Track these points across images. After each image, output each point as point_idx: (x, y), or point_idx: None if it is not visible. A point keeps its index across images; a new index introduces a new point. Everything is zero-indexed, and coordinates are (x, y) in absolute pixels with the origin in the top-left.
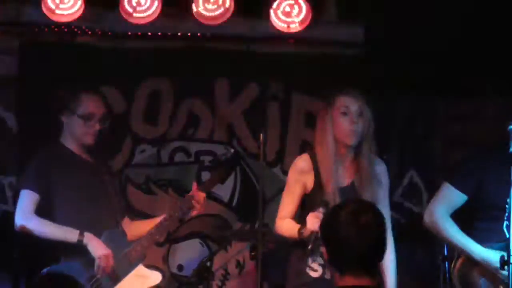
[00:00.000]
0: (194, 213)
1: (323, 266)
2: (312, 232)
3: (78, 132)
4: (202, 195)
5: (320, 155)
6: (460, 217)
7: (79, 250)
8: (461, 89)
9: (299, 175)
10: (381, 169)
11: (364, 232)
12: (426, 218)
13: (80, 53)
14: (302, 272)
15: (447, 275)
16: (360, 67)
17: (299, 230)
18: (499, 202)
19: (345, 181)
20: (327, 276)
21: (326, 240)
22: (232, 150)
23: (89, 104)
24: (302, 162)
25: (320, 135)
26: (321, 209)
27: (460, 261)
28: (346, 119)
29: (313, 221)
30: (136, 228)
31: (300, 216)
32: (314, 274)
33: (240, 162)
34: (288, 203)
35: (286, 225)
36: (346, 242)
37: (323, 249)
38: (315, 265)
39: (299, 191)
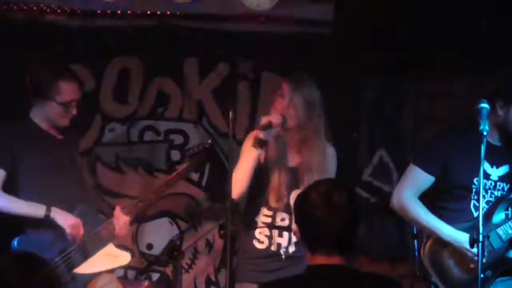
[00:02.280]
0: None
1: (269, 238)
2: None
3: (55, 117)
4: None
5: None
6: (428, 197)
7: (48, 224)
8: (431, 67)
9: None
10: (329, 153)
11: (336, 212)
12: (394, 201)
13: (49, 31)
14: (248, 244)
15: (416, 253)
16: (329, 46)
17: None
18: (467, 182)
19: (292, 162)
20: (273, 248)
21: (299, 219)
22: (209, 141)
23: (69, 92)
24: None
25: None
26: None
27: (430, 241)
28: (281, 101)
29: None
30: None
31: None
32: (260, 246)
33: (215, 154)
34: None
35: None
36: (318, 222)
37: (295, 228)
38: (261, 237)
39: (251, 161)
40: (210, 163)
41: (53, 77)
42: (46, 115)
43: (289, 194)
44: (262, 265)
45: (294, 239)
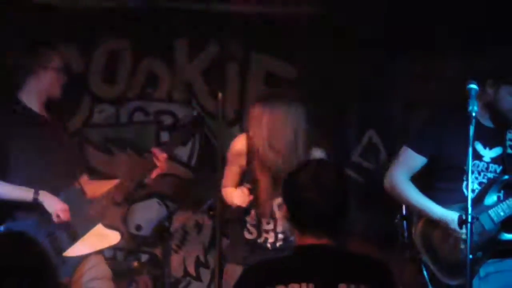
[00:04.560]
0: (154, 174)
1: (258, 229)
2: (238, 206)
3: (50, 84)
4: (164, 156)
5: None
6: (421, 177)
7: (35, 207)
8: (422, 48)
9: (235, 156)
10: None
11: (325, 193)
12: (386, 182)
13: (39, 12)
14: (239, 232)
15: (406, 234)
16: (320, 26)
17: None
18: (459, 163)
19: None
20: (260, 240)
21: (287, 199)
22: (196, 113)
23: (59, 57)
24: (239, 143)
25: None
26: (247, 185)
27: (421, 221)
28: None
29: (239, 196)
30: (95, 187)
31: None
32: (249, 236)
33: (202, 124)
34: (227, 176)
35: (225, 194)
36: (307, 203)
37: (283, 208)
38: (251, 228)
39: (237, 169)
40: (198, 135)
41: (40, 48)
42: (41, 88)
43: (272, 200)
44: (250, 251)
45: (280, 236)
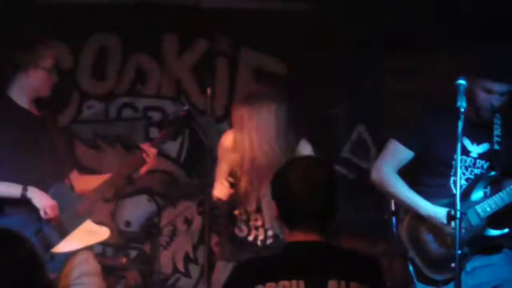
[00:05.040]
0: (143, 170)
1: (248, 227)
2: (218, 199)
3: (40, 84)
4: (153, 151)
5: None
6: (408, 173)
7: (24, 204)
8: (409, 44)
9: (223, 152)
10: (305, 150)
11: (315, 189)
12: (373, 174)
13: (28, 8)
14: (229, 230)
15: (394, 229)
16: (308, 24)
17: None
18: (447, 158)
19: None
20: (250, 238)
21: (277, 195)
22: (185, 107)
23: (51, 57)
24: (226, 140)
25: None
26: (229, 178)
27: (408, 216)
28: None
29: (218, 188)
30: (85, 183)
31: None
32: (239, 233)
33: (192, 119)
34: (218, 173)
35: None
36: (297, 199)
37: (273, 204)
38: (241, 225)
39: (226, 166)
40: (187, 131)
41: (34, 45)
42: (31, 86)
43: (259, 197)
44: (241, 249)
45: (270, 233)
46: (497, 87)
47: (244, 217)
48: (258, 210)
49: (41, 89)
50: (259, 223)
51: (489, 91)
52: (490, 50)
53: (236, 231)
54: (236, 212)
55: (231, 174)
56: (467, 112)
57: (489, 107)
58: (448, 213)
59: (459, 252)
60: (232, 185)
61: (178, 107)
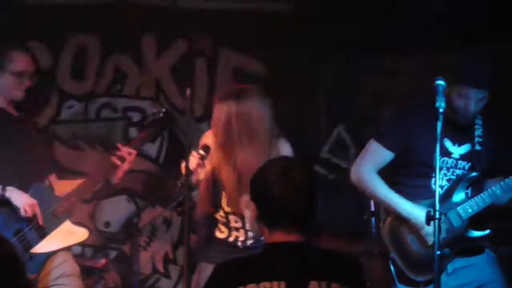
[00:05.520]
0: (119, 174)
1: (229, 228)
2: (190, 169)
3: (8, 88)
4: (129, 151)
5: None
6: (389, 173)
7: (3, 204)
8: (388, 45)
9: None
10: (284, 148)
11: (294, 189)
12: (353, 175)
13: (7, 8)
14: (210, 231)
15: (374, 230)
16: (287, 24)
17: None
18: (427, 159)
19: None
20: (231, 239)
21: (257, 196)
22: (164, 109)
23: (21, 62)
24: (206, 138)
25: None
26: (201, 151)
27: (389, 218)
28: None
29: (190, 160)
30: (64, 186)
31: None
32: (220, 235)
33: (171, 121)
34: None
35: None
36: (277, 199)
37: (252, 205)
38: (222, 226)
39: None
40: (166, 132)
41: (5, 47)
42: (2, 89)
43: (239, 198)
44: (222, 251)
45: (250, 234)
46: (473, 93)
47: (224, 219)
48: (239, 213)
49: (12, 93)
50: (239, 224)
51: (465, 98)
52: (465, 55)
53: (216, 233)
54: (217, 216)
55: (204, 147)
56: (447, 113)
57: (466, 113)
58: (427, 214)
59: (439, 252)
60: (202, 157)
61: (157, 108)
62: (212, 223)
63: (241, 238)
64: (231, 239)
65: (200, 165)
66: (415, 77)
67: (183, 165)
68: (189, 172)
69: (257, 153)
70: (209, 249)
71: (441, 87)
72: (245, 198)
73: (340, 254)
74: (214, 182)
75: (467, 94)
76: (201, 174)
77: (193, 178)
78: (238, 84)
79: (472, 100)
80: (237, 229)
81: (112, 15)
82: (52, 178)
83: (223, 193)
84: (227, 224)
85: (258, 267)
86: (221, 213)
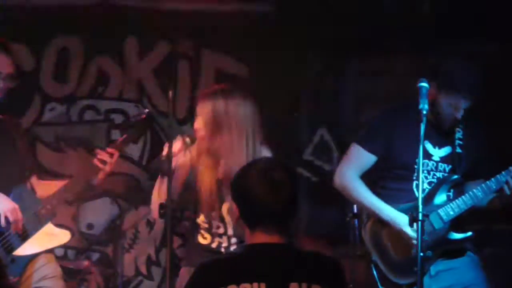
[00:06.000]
0: (101, 175)
1: (212, 234)
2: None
3: None
4: (115, 154)
5: None
6: (371, 176)
7: None
8: (371, 46)
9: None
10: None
11: (276, 189)
12: (336, 180)
13: None
14: (193, 238)
15: (357, 232)
16: (270, 25)
17: None
18: (409, 162)
19: (220, 173)
20: (214, 245)
21: (238, 196)
22: (146, 110)
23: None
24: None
25: None
26: (187, 138)
27: (371, 221)
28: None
29: (175, 144)
30: (46, 188)
31: None
32: (202, 241)
33: (153, 122)
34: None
35: None
36: (258, 199)
37: (234, 206)
38: (204, 233)
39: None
40: (149, 134)
41: None
42: None
43: (220, 205)
44: (205, 257)
45: (234, 240)
46: (462, 103)
47: (207, 225)
48: (221, 217)
49: None
50: (222, 230)
51: (455, 106)
52: (456, 62)
53: (199, 238)
54: (200, 221)
55: (190, 137)
56: (428, 116)
57: (453, 119)
58: (410, 216)
59: (421, 254)
60: (186, 143)
61: (139, 109)
62: (195, 229)
63: (224, 244)
64: (214, 245)
65: (181, 150)
66: (399, 79)
67: (166, 145)
68: (170, 153)
69: (240, 159)
70: (193, 254)
71: (424, 89)
72: (227, 204)
73: (321, 255)
74: (193, 186)
75: (458, 104)
76: (179, 161)
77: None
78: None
79: (462, 108)
80: (219, 235)
81: (95, 17)
82: (33, 179)
83: (203, 198)
84: (209, 230)
85: (239, 268)
86: (203, 217)
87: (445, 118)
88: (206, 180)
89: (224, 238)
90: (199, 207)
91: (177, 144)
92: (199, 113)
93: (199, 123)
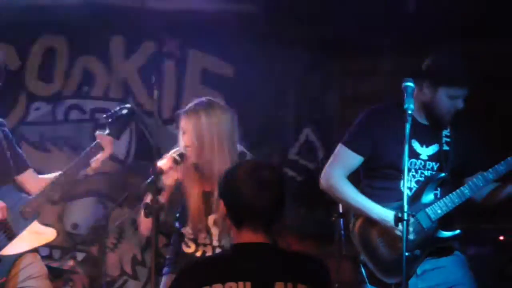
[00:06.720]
0: (101, 157)
1: (196, 244)
2: (159, 168)
3: None
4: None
5: None
6: (358, 176)
7: None
8: (357, 46)
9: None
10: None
11: (263, 188)
12: (323, 181)
13: None
14: (177, 247)
15: (343, 232)
16: (256, 25)
17: None
18: (395, 161)
19: (206, 186)
20: (198, 254)
21: (224, 195)
22: (127, 105)
23: None
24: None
25: None
26: (176, 156)
27: (360, 220)
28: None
29: (164, 160)
30: (37, 183)
31: None
32: (187, 250)
33: (135, 117)
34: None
35: None
36: (245, 197)
37: (221, 204)
38: (189, 242)
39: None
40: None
41: None
42: None
43: (206, 217)
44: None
45: (218, 250)
46: (460, 91)
47: (191, 236)
48: (207, 228)
49: None
50: (207, 241)
51: (453, 97)
52: (442, 56)
53: (184, 247)
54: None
55: (179, 154)
56: (414, 114)
57: (454, 111)
58: (395, 215)
59: (408, 254)
60: (175, 161)
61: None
62: (180, 239)
63: (209, 253)
64: (198, 254)
65: (172, 168)
66: (384, 79)
67: (157, 164)
68: (159, 172)
69: (227, 165)
70: (178, 262)
71: (409, 88)
72: (213, 216)
73: (306, 255)
74: (179, 199)
75: (456, 94)
76: (170, 179)
77: (163, 180)
78: (205, 85)
79: (461, 98)
80: (204, 245)
81: (80, 17)
82: (29, 173)
83: (191, 211)
84: (195, 240)
85: (224, 267)
86: (188, 229)
87: (446, 113)
88: (193, 193)
89: (209, 247)
90: (186, 219)
91: (168, 162)
92: (185, 130)
93: (188, 140)
